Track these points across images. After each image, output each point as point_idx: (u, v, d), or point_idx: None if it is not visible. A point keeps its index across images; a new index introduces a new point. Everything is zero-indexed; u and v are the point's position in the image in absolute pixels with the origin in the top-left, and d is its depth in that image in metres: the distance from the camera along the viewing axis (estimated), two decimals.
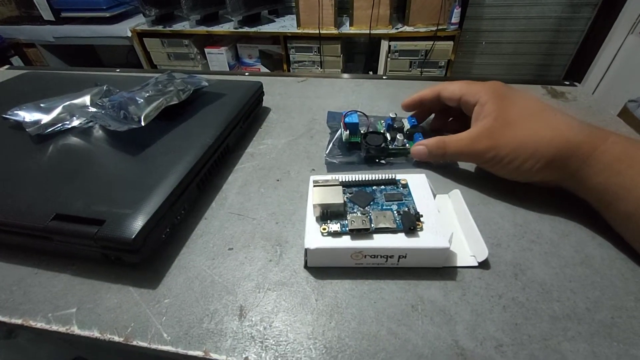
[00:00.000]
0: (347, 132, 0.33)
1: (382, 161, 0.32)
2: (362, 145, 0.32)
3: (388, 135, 0.33)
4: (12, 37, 1.77)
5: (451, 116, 0.35)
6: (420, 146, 0.30)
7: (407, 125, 0.34)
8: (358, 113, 0.33)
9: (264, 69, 1.77)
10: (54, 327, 0.20)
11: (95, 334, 0.19)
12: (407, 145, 0.32)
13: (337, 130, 0.36)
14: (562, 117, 0.25)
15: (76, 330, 0.20)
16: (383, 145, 0.31)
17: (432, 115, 0.36)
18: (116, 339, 0.19)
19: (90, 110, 0.31)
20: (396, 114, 0.34)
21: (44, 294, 0.22)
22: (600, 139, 0.22)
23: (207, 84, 0.36)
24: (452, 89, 0.30)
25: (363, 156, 0.32)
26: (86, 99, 0.33)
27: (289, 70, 1.70)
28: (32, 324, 0.20)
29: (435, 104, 0.32)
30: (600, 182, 0.22)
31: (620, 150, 0.22)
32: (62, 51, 1.93)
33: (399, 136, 0.32)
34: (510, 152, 0.25)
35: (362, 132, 0.33)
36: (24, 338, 0.35)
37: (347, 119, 0.33)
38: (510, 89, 0.28)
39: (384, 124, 0.35)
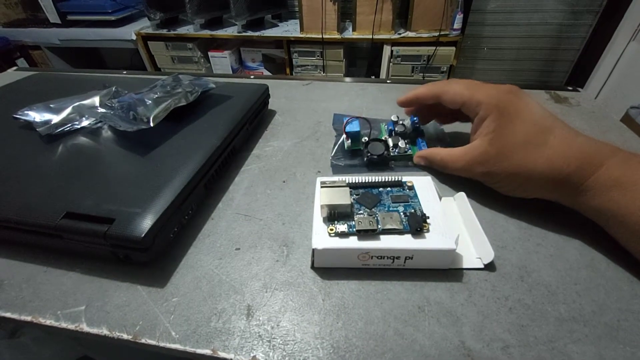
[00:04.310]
0: (349, 141, 0.33)
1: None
2: (364, 154, 0.32)
3: (390, 142, 0.32)
4: (18, 39, 1.80)
5: (451, 113, 0.34)
6: (421, 158, 0.31)
7: (409, 126, 0.34)
8: (359, 120, 0.33)
9: (267, 73, 1.78)
10: (63, 325, 0.20)
11: (104, 331, 0.20)
12: (409, 151, 0.32)
13: (342, 134, 0.36)
14: (560, 142, 0.23)
15: (85, 327, 0.20)
16: (385, 153, 0.31)
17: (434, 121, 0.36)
18: (125, 336, 0.19)
19: (99, 110, 0.31)
20: (398, 117, 0.34)
21: (53, 291, 0.22)
22: (594, 165, 0.22)
23: (214, 86, 0.37)
24: (453, 95, 0.28)
25: (365, 164, 0.32)
26: (95, 100, 0.33)
27: (291, 74, 1.71)
28: (42, 321, 0.20)
29: (433, 103, 0.31)
30: (596, 205, 0.22)
31: (614, 177, 0.21)
32: (67, 53, 1.95)
33: (401, 143, 0.32)
34: (503, 179, 0.26)
35: (363, 141, 0.32)
36: (28, 338, 0.35)
37: (347, 128, 0.32)
38: (514, 100, 0.26)
39: (386, 128, 0.35)
